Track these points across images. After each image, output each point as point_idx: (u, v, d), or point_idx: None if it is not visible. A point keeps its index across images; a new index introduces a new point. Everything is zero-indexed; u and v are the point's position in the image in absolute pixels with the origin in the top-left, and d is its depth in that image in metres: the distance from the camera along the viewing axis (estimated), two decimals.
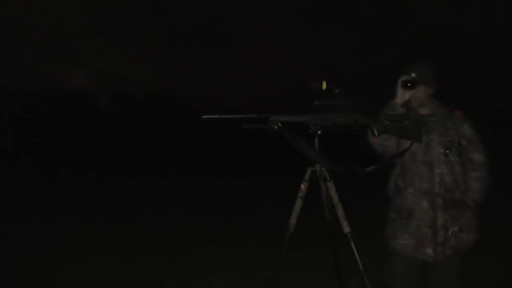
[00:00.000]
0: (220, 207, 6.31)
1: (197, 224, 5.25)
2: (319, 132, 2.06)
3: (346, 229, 2.09)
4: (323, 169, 2.12)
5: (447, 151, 2.07)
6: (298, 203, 2.12)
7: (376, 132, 2.08)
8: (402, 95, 2.17)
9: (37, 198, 6.89)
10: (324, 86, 2.02)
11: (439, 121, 2.15)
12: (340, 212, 2.10)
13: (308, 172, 2.13)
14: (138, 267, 3.64)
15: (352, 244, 2.07)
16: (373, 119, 2.13)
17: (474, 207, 2.11)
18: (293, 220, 2.14)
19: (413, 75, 2.13)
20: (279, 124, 1.97)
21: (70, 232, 4.78)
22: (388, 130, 2.14)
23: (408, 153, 2.16)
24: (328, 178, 2.11)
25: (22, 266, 3.60)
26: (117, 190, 7.87)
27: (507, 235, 4.18)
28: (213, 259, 3.83)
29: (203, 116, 1.97)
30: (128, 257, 3.90)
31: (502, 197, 5.82)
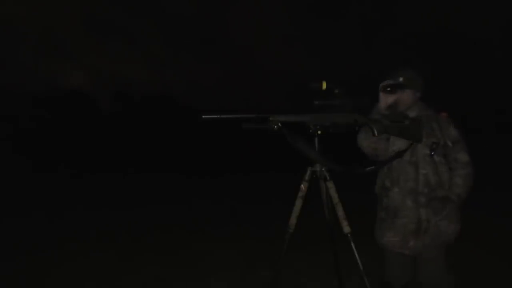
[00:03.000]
0: (219, 207, 6.31)
1: (197, 224, 5.25)
2: (319, 132, 2.07)
3: (346, 229, 2.10)
4: (323, 169, 2.13)
5: (432, 152, 2.11)
6: (298, 203, 2.13)
7: (376, 132, 2.08)
8: (384, 99, 2.22)
9: (36, 198, 6.89)
10: (324, 86, 2.02)
11: (426, 123, 2.18)
12: (340, 212, 2.10)
13: (308, 172, 2.13)
14: (138, 267, 3.64)
15: (352, 244, 2.07)
16: (373, 119, 2.13)
17: (457, 201, 2.15)
18: (293, 220, 2.14)
19: (400, 79, 2.17)
20: (279, 124, 1.97)
21: (70, 232, 4.78)
22: (388, 130, 2.14)
23: (394, 154, 2.20)
24: (328, 178, 2.11)
25: (22, 266, 3.60)
26: (117, 190, 7.87)
27: (507, 235, 4.18)
28: (213, 259, 3.83)
29: (203, 116, 1.97)
30: (128, 257, 3.90)
31: (504, 197, 5.83)
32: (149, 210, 6.07)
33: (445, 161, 2.15)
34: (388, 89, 2.18)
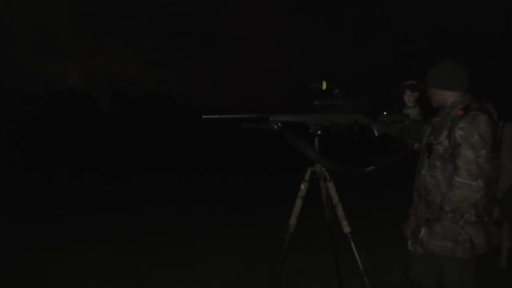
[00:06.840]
0: (220, 207, 6.30)
1: (197, 223, 5.25)
2: (319, 132, 2.07)
3: (346, 229, 2.10)
4: (323, 169, 2.13)
5: (426, 154, 1.98)
6: (298, 203, 2.13)
7: (376, 133, 2.09)
8: (407, 98, 2.25)
9: (37, 198, 6.89)
10: (324, 86, 2.03)
11: (442, 123, 2.02)
12: (340, 212, 2.11)
13: (308, 172, 2.14)
14: (138, 267, 3.64)
15: (352, 244, 2.08)
16: (373, 119, 2.13)
17: (439, 214, 1.92)
18: (293, 220, 2.15)
19: (426, 77, 2.07)
20: (279, 124, 1.97)
21: (70, 232, 4.78)
22: (388, 130, 2.15)
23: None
24: (328, 178, 2.12)
25: (22, 266, 3.61)
26: (117, 190, 7.87)
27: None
28: (213, 259, 3.83)
29: (203, 116, 1.97)
30: (129, 257, 3.90)
31: None
32: (149, 210, 6.07)
33: (444, 166, 1.94)
34: (407, 88, 2.21)
